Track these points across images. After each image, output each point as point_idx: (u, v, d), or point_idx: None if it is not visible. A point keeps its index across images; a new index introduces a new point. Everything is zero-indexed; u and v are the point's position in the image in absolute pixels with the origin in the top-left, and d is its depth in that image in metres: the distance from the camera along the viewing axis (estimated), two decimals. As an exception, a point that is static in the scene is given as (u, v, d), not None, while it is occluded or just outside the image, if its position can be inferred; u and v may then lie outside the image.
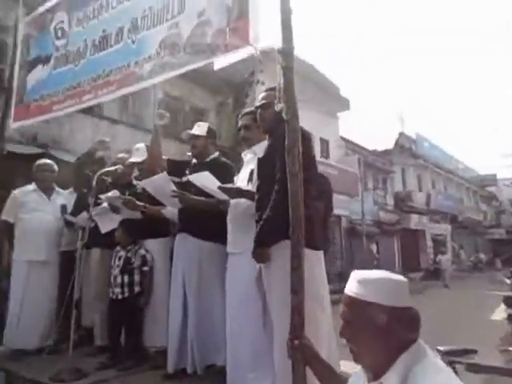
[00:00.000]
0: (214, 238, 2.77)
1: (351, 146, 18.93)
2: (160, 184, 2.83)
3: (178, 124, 11.39)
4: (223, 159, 3.09)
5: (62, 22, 3.30)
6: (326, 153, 16.29)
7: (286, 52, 1.80)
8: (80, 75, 3.09)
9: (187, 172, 3.00)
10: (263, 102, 2.28)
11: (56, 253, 3.74)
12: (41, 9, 3.52)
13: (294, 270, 1.63)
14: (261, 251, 2.01)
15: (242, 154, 2.67)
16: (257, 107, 2.36)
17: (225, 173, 2.84)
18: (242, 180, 2.57)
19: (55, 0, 3.39)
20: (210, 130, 3.03)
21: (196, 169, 2.95)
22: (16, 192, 3.64)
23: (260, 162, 2.24)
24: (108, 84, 2.84)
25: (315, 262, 2.02)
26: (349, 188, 14.62)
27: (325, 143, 16.34)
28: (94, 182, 3.16)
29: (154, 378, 2.84)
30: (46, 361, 3.25)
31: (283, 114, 1.76)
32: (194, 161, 3.08)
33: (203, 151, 3.03)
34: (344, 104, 16.50)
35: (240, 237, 2.37)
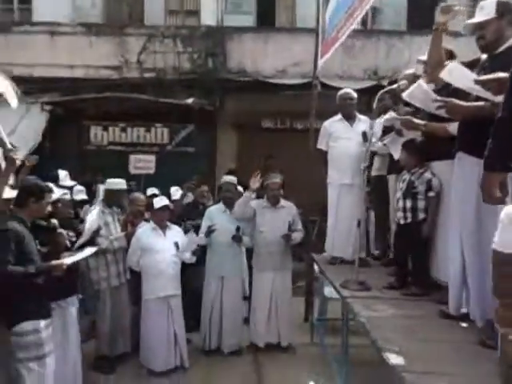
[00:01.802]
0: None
1: None
2: (420, 95, 2.37)
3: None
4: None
5: None
6: None
7: None
8: (353, -7, 3.00)
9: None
10: None
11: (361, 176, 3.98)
12: None
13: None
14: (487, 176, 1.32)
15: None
16: None
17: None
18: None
19: None
20: (500, 6, 2.15)
21: (487, 66, 2.23)
22: (326, 123, 4.12)
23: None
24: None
25: None
26: None
27: None
28: (375, 104, 3.08)
29: (432, 311, 2.61)
30: (348, 270, 3.66)
31: None
32: (484, 56, 2.33)
33: (495, 40, 2.21)
34: None
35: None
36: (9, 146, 2.94)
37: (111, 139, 8.13)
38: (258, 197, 4.96)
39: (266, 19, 9.01)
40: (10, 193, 2.90)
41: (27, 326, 2.62)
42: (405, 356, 1.85)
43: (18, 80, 8.29)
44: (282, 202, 4.33)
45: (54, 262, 2.73)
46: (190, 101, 7.72)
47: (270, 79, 8.14)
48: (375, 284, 3.20)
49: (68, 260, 2.80)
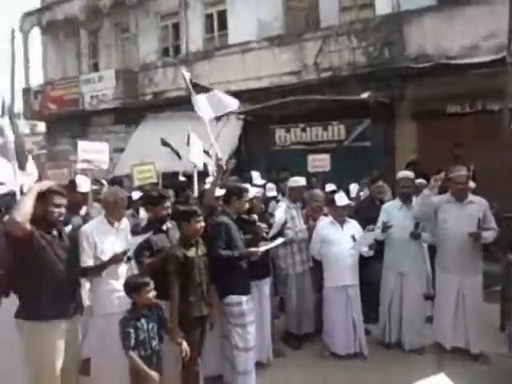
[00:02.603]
0: None
1: None
2: None
3: None
4: None
5: None
6: None
7: None
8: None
9: None
10: None
11: None
12: None
13: None
14: None
15: None
16: None
17: None
18: None
19: None
20: None
21: None
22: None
23: None
24: None
25: None
26: None
27: None
28: None
29: None
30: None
31: None
32: None
33: None
34: None
35: None
36: (219, 155, 3.71)
37: (293, 139, 8.88)
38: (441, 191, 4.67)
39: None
40: (218, 192, 3.69)
41: (233, 299, 3.31)
42: None
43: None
44: (471, 196, 3.97)
45: (252, 249, 3.34)
46: (365, 95, 7.71)
47: (456, 59, 7.33)
48: None
49: (262, 248, 3.38)
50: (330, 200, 4.43)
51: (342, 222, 4.19)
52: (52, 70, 14.85)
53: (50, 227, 2.72)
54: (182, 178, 6.62)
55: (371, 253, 4.15)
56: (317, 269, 4.40)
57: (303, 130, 8.71)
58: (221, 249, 3.24)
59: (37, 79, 15.31)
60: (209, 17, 11.12)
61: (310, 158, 6.36)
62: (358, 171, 6.38)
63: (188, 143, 4.90)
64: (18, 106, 15.24)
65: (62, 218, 2.82)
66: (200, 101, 3.87)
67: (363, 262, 4.25)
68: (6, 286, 3.10)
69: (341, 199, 4.18)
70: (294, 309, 4.36)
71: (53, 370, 2.66)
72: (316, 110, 8.13)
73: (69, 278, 2.75)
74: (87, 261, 2.94)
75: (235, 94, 9.58)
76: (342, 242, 4.05)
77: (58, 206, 2.72)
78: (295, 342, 4.36)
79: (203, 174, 5.26)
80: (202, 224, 3.10)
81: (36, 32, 14.91)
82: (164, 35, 12.06)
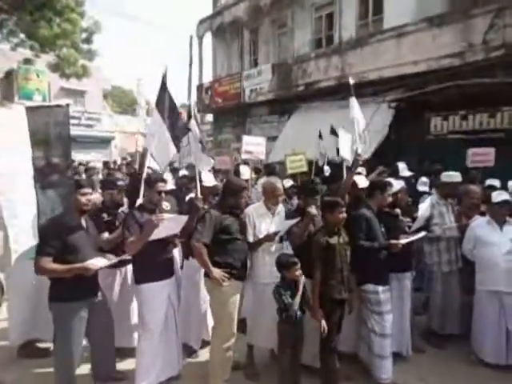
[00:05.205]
0: None
1: None
2: None
3: None
4: None
5: None
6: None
7: None
8: None
9: None
10: None
11: None
12: None
13: None
14: None
15: None
16: None
17: None
18: None
19: None
20: None
21: None
22: None
23: None
24: None
25: None
26: None
27: None
28: None
29: None
30: None
31: None
32: None
33: None
34: None
35: None
36: (359, 151, 3.87)
37: (451, 128, 8.16)
38: None
39: None
40: (363, 184, 3.87)
41: (369, 287, 3.49)
42: None
43: (371, 84, 9.81)
44: None
45: (392, 241, 3.45)
46: (549, 75, 6.53)
47: None
48: None
49: (403, 241, 3.45)
50: (487, 197, 4.11)
51: (501, 223, 3.86)
52: (219, 68, 16.86)
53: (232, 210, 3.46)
54: (326, 168, 6.87)
55: (536, 260, 3.72)
56: (469, 269, 4.15)
57: (464, 117, 7.90)
58: (361, 239, 3.44)
59: (207, 77, 17.54)
60: (364, 2, 10.88)
61: (471, 151, 5.77)
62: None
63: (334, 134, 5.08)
64: (193, 101, 17.88)
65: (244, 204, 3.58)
66: (353, 101, 4.14)
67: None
68: (188, 251, 4.01)
69: (499, 196, 3.84)
70: (438, 307, 4.23)
71: (232, 319, 3.34)
72: (481, 94, 7.27)
73: (244, 247, 3.42)
74: (248, 237, 3.54)
75: (388, 81, 9.38)
76: (498, 244, 3.75)
77: (244, 197, 3.53)
78: (436, 340, 4.25)
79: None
80: (344, 215, 3.33)
81: (208, 36, 17.10)
82: (318, 26, 12.35)
